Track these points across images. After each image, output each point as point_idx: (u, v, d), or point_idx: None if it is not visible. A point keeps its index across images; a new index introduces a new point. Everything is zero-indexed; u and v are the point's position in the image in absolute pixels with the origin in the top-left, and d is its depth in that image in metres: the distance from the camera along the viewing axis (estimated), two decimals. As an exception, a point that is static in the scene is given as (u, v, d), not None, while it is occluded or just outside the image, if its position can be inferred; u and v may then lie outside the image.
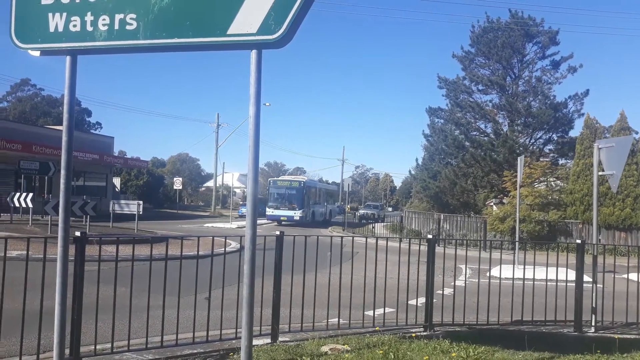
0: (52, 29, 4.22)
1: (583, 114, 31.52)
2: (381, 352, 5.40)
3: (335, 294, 6.39)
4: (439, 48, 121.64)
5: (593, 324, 7.38)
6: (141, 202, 21.52)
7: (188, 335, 5.69)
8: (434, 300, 6.98)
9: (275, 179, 40.31)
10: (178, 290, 5.55)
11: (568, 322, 7.30)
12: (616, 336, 6.68)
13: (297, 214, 34.40)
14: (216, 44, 4.09)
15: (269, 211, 35.20)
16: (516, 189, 17.38)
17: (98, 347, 5.11)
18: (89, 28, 4.14)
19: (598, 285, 7.52)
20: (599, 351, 5.86)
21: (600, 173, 8.30)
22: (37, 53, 4.36)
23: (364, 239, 7.40)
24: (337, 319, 6.50)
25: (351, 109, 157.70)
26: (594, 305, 7.40)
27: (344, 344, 5.75)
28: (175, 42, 4.09)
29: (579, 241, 7.60)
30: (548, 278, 7.56)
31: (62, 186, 4.24)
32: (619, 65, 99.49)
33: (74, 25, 4.16)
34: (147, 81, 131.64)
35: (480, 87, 33.31)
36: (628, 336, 6.97)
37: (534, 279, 7.92)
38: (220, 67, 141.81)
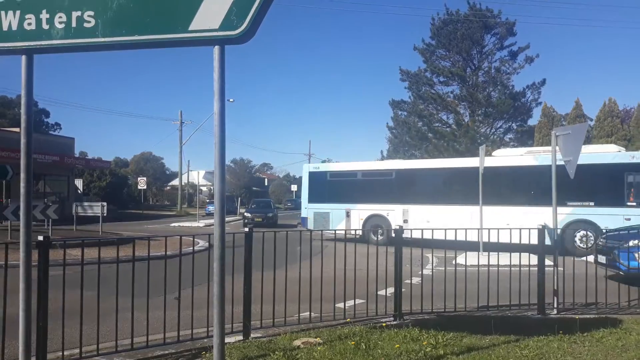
0: (5, 28, 4.07)
1: (540, 103, 32.62)
2: (353, 342, 5.47)
3: (306, 288, 6.42)
4: (401, 41, 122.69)
5: (555, 306, 7.65)
6: (105, 203, 21.03)
7: (159, 337, 5.63)
8: (403, 290, 7.10)
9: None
10: (147, 292, 5.48)
11: (532, 306, 7.55)
12: (577, 317, 6.95)
13: None
14: (178, 41, 4.04)
15: None
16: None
17: (66, 353, 5.01)
18: (45, 26, 4.02)
19: (559, 269, 7.80)
20: (561, 332, 6.08)
21: (557, 160, 8.58)
22: (-10, 53, 4.20)
23: (333, 232, 7.46)
24: (308, 313, 6.55)
25: (316, 104, 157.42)
26: (555, 288, 7.68)
27: (316, 337, 5.80)
28: (135, 40, 4.01)
29: (540, 226, 7.86)
30: (512, 263, 7.80)
31: (22, 190, 4.11)
32: (573, 54, 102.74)
33: (29, 24, 4.03)
34: (107, 80, 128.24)
35: (441, 79, 33.96)
36: (588, 316, 7.25)
37: (498, 265, 8.16)
38: (183, 64, 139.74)
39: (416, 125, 33.68)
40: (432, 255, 12.58)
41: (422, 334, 5.93)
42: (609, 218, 14.46)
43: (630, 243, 9.56)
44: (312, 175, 20.82)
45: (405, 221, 17.10)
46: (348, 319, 6.68)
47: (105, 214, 20.18)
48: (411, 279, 7.38)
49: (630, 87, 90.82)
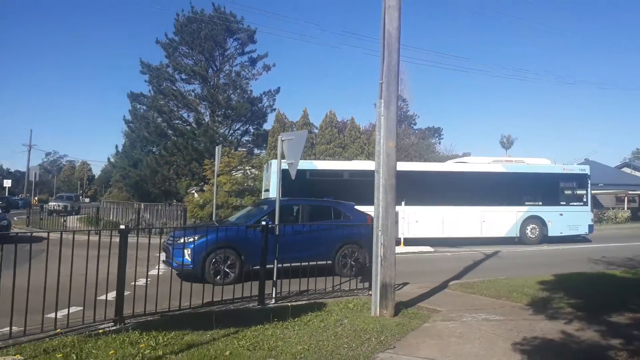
0: None
1: (275, 110, 35.22)
2: (61, 355, 4.97)
3: (7, 300, 5.56)
4: (144, 31, 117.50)
5: (274, 295, 8.35)
6: None
7: None
8: (127, 293, 6.77)
9: None
10: None
11: (253, 297, 8.07)
12: (290, 304, 7.71)
13: None
14: None
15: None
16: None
17: None
18: None
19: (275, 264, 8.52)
20: (276, 319, 6.65)
21: (283, 162, 9.42)
22: None
23: (47, 234, 6.66)
24: (8, 328, 5.68)
25: (42, 88, 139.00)
26: (274, 280, 8.38)
27: (15, 355, 5.07)
28: None
29: (263, 223, 8.47)
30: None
31: None
32: (304, 68, 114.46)
33: None
34: None
35: (183, 76, 33.66)
36: (300, 303, 8.12)
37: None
38: None
39: (155, 120, 32.60)
40: (160, 255, 12.38)
41: (143, 336, 5.75)
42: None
43: (182, 240, 9.73)
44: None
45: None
46: (59, 330, 6.03)
47: None
48: (135, 281, 7.06)
49: (346, 102, 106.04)
